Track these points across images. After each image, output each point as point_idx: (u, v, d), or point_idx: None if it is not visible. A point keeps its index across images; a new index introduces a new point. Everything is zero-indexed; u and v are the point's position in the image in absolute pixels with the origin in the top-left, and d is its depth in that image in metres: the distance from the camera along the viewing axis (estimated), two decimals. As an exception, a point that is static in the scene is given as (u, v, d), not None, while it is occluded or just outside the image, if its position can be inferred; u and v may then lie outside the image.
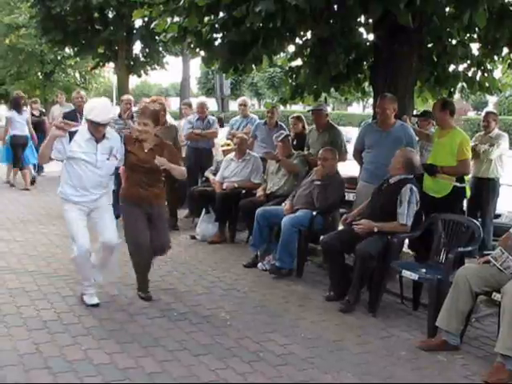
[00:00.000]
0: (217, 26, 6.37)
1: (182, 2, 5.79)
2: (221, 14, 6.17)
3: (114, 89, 35.97)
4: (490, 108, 49.13)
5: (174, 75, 35.78)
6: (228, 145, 8.60)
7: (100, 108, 4.71)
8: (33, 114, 14.13)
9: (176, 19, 6.49)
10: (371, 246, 5.10)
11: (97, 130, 4.76)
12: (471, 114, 42.33)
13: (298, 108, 30.20)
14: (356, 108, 55.51)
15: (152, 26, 6.88)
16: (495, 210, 7.62)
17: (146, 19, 13.98)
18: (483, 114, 7.98)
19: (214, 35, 6.53)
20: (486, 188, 7.42)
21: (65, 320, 4.65)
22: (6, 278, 5.64)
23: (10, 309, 4.82)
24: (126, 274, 5.56)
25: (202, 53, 6.88)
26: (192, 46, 6.66)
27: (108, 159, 4.88)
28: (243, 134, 8.09)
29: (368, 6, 5.14)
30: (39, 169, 14.00)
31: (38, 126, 13.91)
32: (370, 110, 32.87)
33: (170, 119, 8.74)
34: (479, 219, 7.39)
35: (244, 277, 6.10)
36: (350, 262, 5.54)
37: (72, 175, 4.85)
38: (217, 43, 6.56)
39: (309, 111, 7.62)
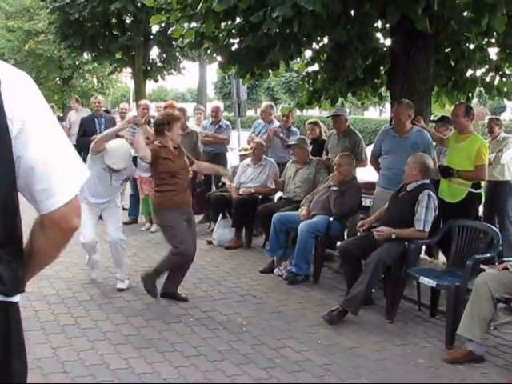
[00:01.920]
0: (234, 31, 6.40)
1: (199, 8, 5.80)
2: (238, 20, 6.19)
3: (132, 93, 36.24)
4: (508, 113, 48.83)
5: (191, 80, 36.07)
6: (246, 149, 8.59)
7: (117, 156, 5.26)
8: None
9: (193, 25, 6.53)
10: (388, 254, 5.05)
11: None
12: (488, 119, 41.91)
13: (314, 113, 30.15)
14: (373, 113, 55.31)
15: (169, 31, 6.93)
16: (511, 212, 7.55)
17: (163, 25, 14.10)
18: (486, 120, 7.97)
19: (231, 40, 6.55)
20: (501, 191, 7.37)
21: (82, 324, 4.69)
22: None
23: (28, 313, 4.84)
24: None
25: (219, 58, 6.90)
26: (209, 51, 6.68)
27: (121, 183, 5.58)
28: (261, 140, 8.07)
29: (385, 11, 5.12)
30: None
31: None
32: (386, 115, 32.70)
33: (190, 125, 8.78)
34: (497, 224, 7.34)
35: (260, 282, 6.09)
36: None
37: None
38: (234, 48, 6.57)
39: (328, 117, 7.60)
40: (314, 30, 5.61)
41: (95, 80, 25.88)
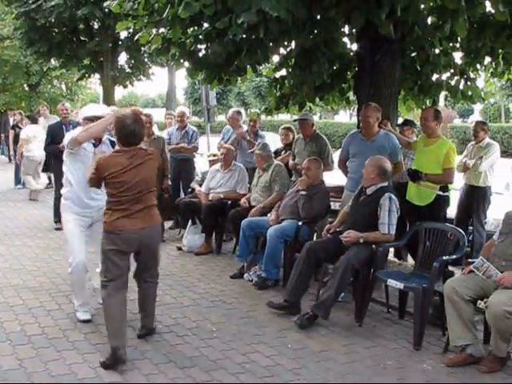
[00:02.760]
0: (200, 37, 6.39)
1: (165, 14, 5.79)
2: (205, 25, 6.18)
3: (101, 99, 35.97)
4: (476, 115, 49.66)
5: (161, 86, 35.89)
6: (214, 155, 8.58)
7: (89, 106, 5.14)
8: (18, 126, 14.10)
9: (160, 30, 6.52)
10: (356, 258, 5.07)
11: None
12: (457, 122, 42.63)
13: (285, 117, 30.30)
14: (343, 116, 55.74)
15: (136, 37, 6.89)
16: (485, 217, 7.67)
17: (131, 30, 14.03)
18: (473, 123, 7.99)
19: (198, 46, 6.55)
20: (478, 196, 7.49)
21: (49, 335, 4.61)
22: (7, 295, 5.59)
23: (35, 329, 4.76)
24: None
25: (187, 64, 6.90)
26: (176, 57, 6.66)
27: None
28: (230, 145, 8.08)
29: (350, 16, 5.18)
30: (24, 182, 13.93)
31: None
32: (356, 119, 33.04)
33: (156, 131, 8.72)
34: (470, 227, 7.46)
35: (231, 288, 6.08)
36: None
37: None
38: (201, 54, 6.57)
39: (295, 120, 7.63)
40: (280, 35, 5.65)
41: (63, 86, 25.59)
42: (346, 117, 55.03)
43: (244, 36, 5.42)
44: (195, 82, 42.15)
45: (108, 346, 4.08)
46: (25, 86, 23.64)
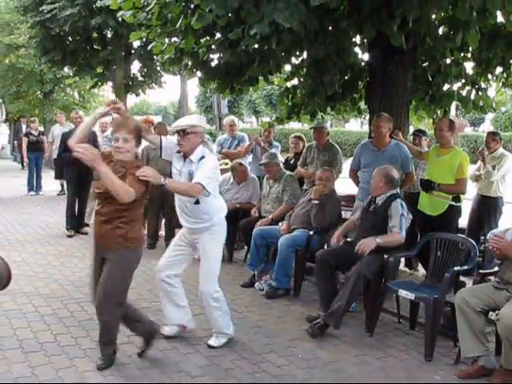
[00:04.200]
0: (213, 46, 6.45)
1: (178, 25, 5.85)
2: (217, 35, 6.24)
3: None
4: (487, 124, 49.34)
5: (173, 93, 36.14)
6: (226, 164, 8.61)
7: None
8: (31, 134, 14.22)
9: (173, 40, 6.58)
10: (367, 268, 5.07)
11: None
12: (468, 130, 42.43)
13: (296, 125, 30.30)
14: (354, 125, 55.70)
15: (149, 47, 6.95)
16: (498, 227, 7.63)
17: (144, 39, 14.16)
18: (484, 133, 7.96)
19: (211, 56, 6.60)
20: (490, 206, 7.43)
21: (62, 342, 4.64)
22: (2, 300, 5.61)
23: (6, 331, 4.82)
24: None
25: (199, 73, 6.95)
26: (189, 66, 6.71)
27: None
28: (241, 161, 8.01)
29: (362, 27, 5.21)
30: (37, 188, 14.07)
31: (37, 146, 14.02)
32: (367, 127, 32.98)
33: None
34: (482, 237, 7.43)
35: (241, 297, 6.10)
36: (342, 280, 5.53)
37: None
38: (213, 64, 6.62)
39: (311, 128, 7.66)
40: (292, 46, 5.69)
41: (76, 94, 25.79)
42: (356, 125, 55.02)
43: (256, 46, 5.45)
44: (207, 90, 42.41)
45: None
46: (38, 93, 23.82)
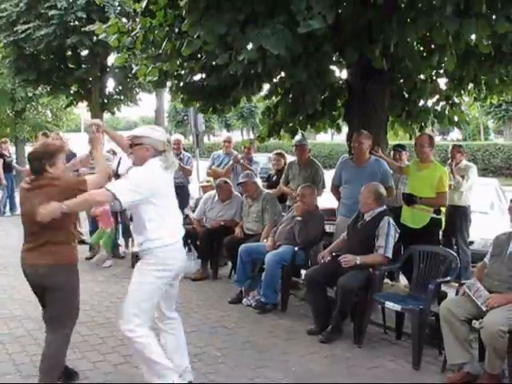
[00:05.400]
0: (196, 68, 6.59)
1: (163, 47, 5.99)
2: (201, 58, 6.37)
3: (82, 124, 36.22)
4: (456, 133, 50.24)
5: (144, 108, 35.94)
6: (208, 181, 8.75)
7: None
8: (4, 155, 14.10)
9: (157, 63, 6.69)
10: (353, 280, 5.27)
11: None
12: (437, 140, 43.22)
13: (275, 141, 30.40)
14: (324, 136, 56.10)
15: (133, 71, 7.07)
16: (468, 236, 7.91)
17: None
18: (450, 148, 8.28)
19: (194, 78, 6.74)
20: (460, 215, 7.71)
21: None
22: (12, 326, 5.64)
23: (2, 356, 4.86)
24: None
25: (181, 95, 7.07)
26: (173, 88, 6.83)
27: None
28: (226, 178, 8.16)
29: (344, 50, 5.41)
30: (12, 208, 13.96)
31: (9, 168, 13.95)
32: (338, 138, 33.20)
33: None
34: (455, 246, 7.67)
35: (230, 313, 6.21)
36: (331, 295, 5.70)
37: None
38: (196, 86, 6.75)
39: (293, 145, 7.83)
40: (276, 68, 5.87)
41: (49, 112, 25.61)
42: (327, 137, 55.49)
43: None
44: (176, 105, 42.38)
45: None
46: (9, 112, 23.57)
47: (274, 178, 8.35)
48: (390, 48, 4.97)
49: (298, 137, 7.76)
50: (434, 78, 7.23)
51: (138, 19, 6.55)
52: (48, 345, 4.08)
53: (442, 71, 7.14)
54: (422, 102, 7.43)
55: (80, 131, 35.06)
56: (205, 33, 4.81)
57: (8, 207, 14.11)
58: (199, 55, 6.17)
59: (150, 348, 3.90)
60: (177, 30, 6.03)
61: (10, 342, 5.17)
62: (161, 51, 6.04)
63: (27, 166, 11.90)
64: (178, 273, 4.16)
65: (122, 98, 18.54)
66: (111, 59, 16.30)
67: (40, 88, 19.54)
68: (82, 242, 8.97)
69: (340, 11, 4.66)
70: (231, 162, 8.74)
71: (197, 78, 6.74)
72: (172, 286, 4.19)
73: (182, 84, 6.70)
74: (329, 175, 7.91)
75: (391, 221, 5.46)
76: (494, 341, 4.15)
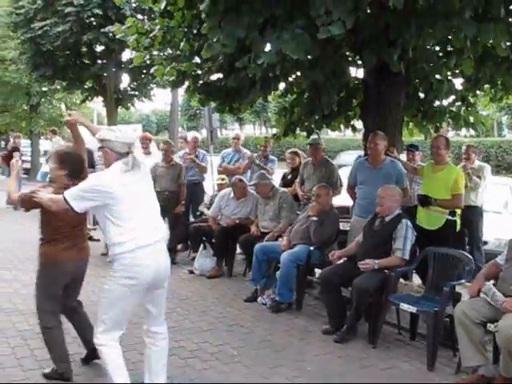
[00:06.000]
0: (213, 68, 6.65)
1: (181, 48, 6.05)
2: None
3: (95, 118, 36.59)
4: (465, 130, 49.92)
5: (156, 102, 36.22)
6: (223, 179, 8.82)
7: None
8: (18, 149, 14.30)
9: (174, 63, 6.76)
10: (368, 281, 5.32)
11: None
12: (450, 135, 42.98)
13: (290, 139, 30.44)
14: (336, 132, 55.94)
15: (151, 70, 7.14)
16: (482, 235, 7.94)
17: (134, 53, 14.38)
18: (464, 147, 8.30)
19: (211, 78, 6.80)
20: (476, 215, 7.74)
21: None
22: (15, 320, 5.76)
23: (25, 352, 4.97)
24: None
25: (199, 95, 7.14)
26: (191, 88, 6.89)
27: None
28: (242, 177, 8.24)
29: (362, 53, 5.44)
30: None
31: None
32: (350, 133, 33.17)
33: (175, 158, 8.97)
34: (467, 246, 7.70)
35: (246, 311, 6.29)
36: (345, 294, 5.75)
37: None
38: (214, 86, 6.81)
39: (307, 144, 7.88)
40: (293, 69, 5.92)
41: (63, 106, 25.79)
42: (340, 133, 55.39)
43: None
44: (190, 99, 42.50)
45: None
46: (25, 106, 23.79)
47: (289, 176, 8.40)
48: (409, 52, 5.00)
49: (312, 136, 7.80)
50: (450, 78, 7.23)
51: (156, 20, 6.63)
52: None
53: (457, 71, 7.16)
54: (437, 103, 7.44)
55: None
56: (224, 36, 4.87)
57: None
58: (218, 58, 6.21)
59: (108, 357, 3.81)
60: (195, 31, 6.09)
61: (31, 338, 5.26)
62: (179, 52, 6.10)
63: (41, 160, 12.12)
64: (152, 281, 3.81)
65: (137, 93, 18.68)
66: (126, 55, 16.47)
67: (56, 83, 19.70)
68: (90, 238, 9.07)
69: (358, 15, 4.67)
70: (247, 161, 8.82)
71: (214, 78, 6.80)
72: (151, 297, 3.94)
73: (199, 84, 6.75)
74: (342, 173, 7.98)
75: (409, 223, 5.51)
76: (510, 344, 4.18)
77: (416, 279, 6.79)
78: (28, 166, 21.88)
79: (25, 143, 22.84)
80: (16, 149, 14.33)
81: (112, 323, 3.79)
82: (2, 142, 27.99)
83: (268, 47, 5.01)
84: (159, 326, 4.05)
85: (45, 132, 23.40)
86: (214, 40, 5.06)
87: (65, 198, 3.69)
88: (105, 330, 3.79)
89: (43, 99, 23.64)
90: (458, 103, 7.56)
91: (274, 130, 8.36)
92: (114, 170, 3.76)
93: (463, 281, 5.21)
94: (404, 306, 5.15)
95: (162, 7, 6.25)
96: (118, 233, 3.71)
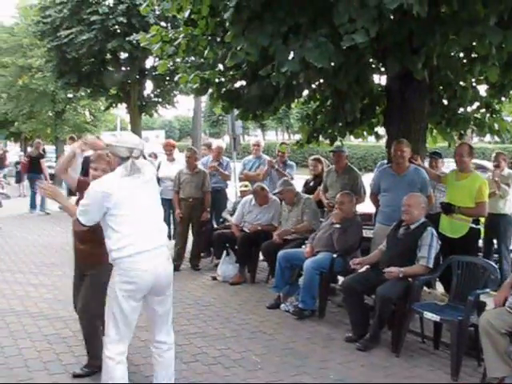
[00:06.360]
0: (237, 76, 6.70)
1: (205, 57, 6.11)
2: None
3: (118, 122, 37.01)
4: (488, 136, 49.29)
5: (178, 108, 36.53)
6: (246, 186, 8.86)
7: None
8: (43, 155, 14.52)
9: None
10: (391, 290, 5.29)
11: None
12: (474, 141, 42.47)
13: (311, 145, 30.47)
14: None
15: (176, 78, 7.21)
16: (511, 244, 7.86)
17: (158, 60, 14.53)
18: (493, 154, 8.22)
19: (235, 85, 6.85)
20: (503, 223, 7.66)
21: (64, 361, 4.86)
22: (41, 325, 5.86)
23: (50, 355, 5.04)
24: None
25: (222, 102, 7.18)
26: (214, 95, 6.94)
27: None
28: (262, 184, 8.25)
29: (385, 61, 5.43)
30: (42, 208, 14.37)
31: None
32: (373, 139, 32.96)
33: (200, 165, 9.04)
34: (495, 254, 7.63)
35: (268, 318, 6.29)
36: (369, 302, 5.75)
37: None
38: (237, 94, 6.85)
39: (331, 151, 7.88)
40: (316, 77, 5.93)
41: (87, 113, 26.18)
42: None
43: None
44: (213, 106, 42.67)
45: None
46: (50, 113, 24.19)
47: (312, 183, 8.40)
48: (433, 59, 4.98)
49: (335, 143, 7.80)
50: (474, 84, 7.18)
51: (180, 28, 6.70)
52: None
53: (482, 77, 7.10)
54: (461, 110, 7.39)
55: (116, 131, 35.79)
56: (248, 44, 4.91)
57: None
58: (242, 66, 6.25)
59: (105, 368, 3.80)
60: (219, 39, 6.15)
61: (56, 343, 5.35)
62: (203, 60, 6.16)
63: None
64: (152, 287, 3.79)
65: (160, 100, 18.88)
66: (149, 62, 16.63)
67: (80, 90, 20.01)
68: None
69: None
70: (267, 167, 8.86)
71: (237, 85, 6.84)
72: (152, 304, 3.92)
73: (222, 91, 6.80)
74: (365, 179, 7.95)
75: (434, 232, 5.48)
76: (535, 355, 4.15)
77: (439, 287, 6.74)
78: (53, 171, 22.13)
79: (50, 149, 23.25)
80: (41, 156, 14.55)
81: (116, 330, 3.75)
82: (29, 148, 28.41)
83: (291, 55, 5.03)
84: (164, 336, 3.99)
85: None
86: (238, 48, 5.11)
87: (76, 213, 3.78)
88: (110, 340, 3.77)
89: (68, 106, 24.05)
90: (483, 110, 7.49)
91: (297, 136, 8.36)
92: (115, 175, 3.79)
93: (488, 290, 5.16)
94: (428, 315, 5.11)
95: (186, 15, 6.32)
96: (116, 238, 3.71)
